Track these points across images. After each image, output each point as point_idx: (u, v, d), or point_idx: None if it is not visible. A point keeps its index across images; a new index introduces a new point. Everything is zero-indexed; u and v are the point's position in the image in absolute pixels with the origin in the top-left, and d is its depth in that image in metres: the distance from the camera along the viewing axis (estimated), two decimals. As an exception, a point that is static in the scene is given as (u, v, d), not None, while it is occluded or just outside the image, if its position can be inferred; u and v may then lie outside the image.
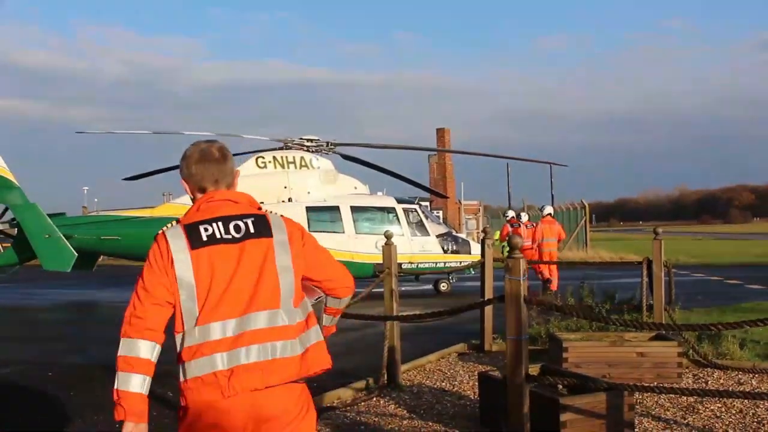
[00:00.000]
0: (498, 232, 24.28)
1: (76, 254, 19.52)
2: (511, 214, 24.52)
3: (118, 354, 3.07)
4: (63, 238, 19.50)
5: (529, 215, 24.85)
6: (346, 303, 3.57)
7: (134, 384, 3.04)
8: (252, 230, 3.20)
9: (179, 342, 3.11)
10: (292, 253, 3.24)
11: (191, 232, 3.17)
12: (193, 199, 3.35)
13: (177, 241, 3.15)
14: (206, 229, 3.17)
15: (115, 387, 3.05)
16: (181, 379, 3.08)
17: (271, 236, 3.22)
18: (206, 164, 3.30)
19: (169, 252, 3.13)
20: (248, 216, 3.24)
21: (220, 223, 3.18)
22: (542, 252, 20.32)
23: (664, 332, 8.57)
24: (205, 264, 3.12)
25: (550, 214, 21.38)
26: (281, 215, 3.37)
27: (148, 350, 3.07)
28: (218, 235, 3.16)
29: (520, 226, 22.03)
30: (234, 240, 3.16)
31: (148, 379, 3.08)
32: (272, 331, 3.11)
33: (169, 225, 3.25)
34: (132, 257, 20.58)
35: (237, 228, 3.19)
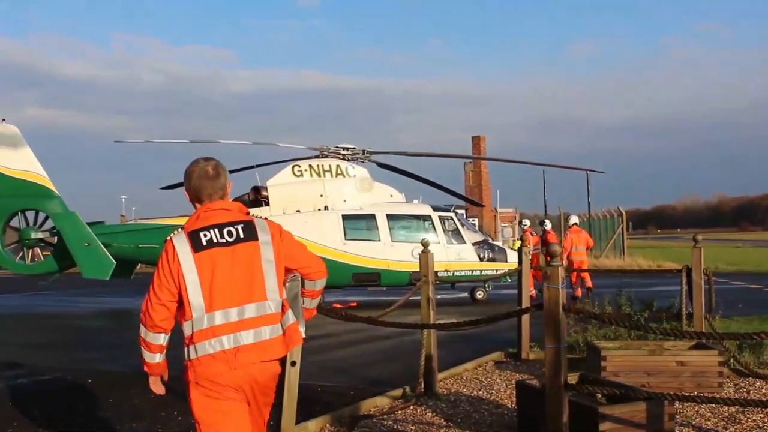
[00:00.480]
0: (518, 242, 24.45)
1: (115, 262, 19.75)
2: (527, 223, 25.22)
3: (140, 335, 4.01)
4: (102, 246, 19.74)
5: (551, 222, 25.17)
6: (320, 286, 4.36)
7: (156, 358, 4.09)
8: (242, 235, 3.96)
9: (189, 327, 3.88)
10: (274, 249, 4.01)
11: (193, 237, 3.92)
12: (194, 207, 4.11)
13: (182, 245, 3.90)
14: (205, 235, 3.92)
15: (143, 356, 4.08)
16: (193, 356, 3.86)
17: (257, 239, 3.98)
18: (202, 180, 4.06)
19: (175, 255, 3.88)
20: (238, 223, 4.00)
21: (216, 230, 3.95)
22: (572, 260, 20.70)
23: (704, 341, 8.47)
24: (207, 264, 3.87)
25: (575, 223, 22.57)
26: (265, 218, 4.17)
27: (162, 339, 4.01)
28: (215, 240, 3.92)
29: (545, 233, 22.39)
30: (227, 243, 3.93)
31: (164, 354, 4.10)
32: (262, 318, 3.91)
33: (175, 232, 3.98)
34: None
35: (230, 233, 3.95)
